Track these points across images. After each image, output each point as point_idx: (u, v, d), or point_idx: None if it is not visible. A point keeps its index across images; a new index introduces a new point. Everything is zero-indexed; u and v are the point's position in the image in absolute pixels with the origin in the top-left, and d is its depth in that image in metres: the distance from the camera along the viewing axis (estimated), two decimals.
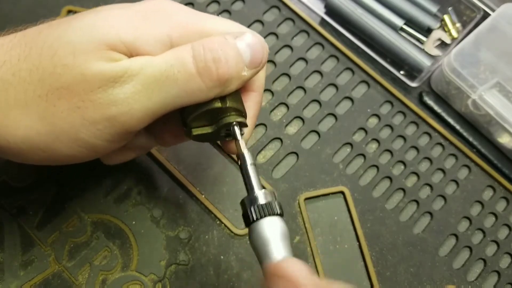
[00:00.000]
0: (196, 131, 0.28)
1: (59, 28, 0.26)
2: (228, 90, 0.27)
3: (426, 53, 0.47)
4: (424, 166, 0.44)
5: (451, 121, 0.46)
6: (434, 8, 0.48)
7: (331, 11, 0.48)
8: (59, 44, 0.25)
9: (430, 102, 0.46)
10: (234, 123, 0.28)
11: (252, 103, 0.30)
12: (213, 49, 0.26)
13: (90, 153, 0.27)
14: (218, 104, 0.27)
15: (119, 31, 0.25)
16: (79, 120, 0.25)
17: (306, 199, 0.40)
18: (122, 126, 0.25)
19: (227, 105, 0.27)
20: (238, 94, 0.28)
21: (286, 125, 0.43)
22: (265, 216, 0.26)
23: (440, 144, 0.45)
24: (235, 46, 0.26)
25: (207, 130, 0.28)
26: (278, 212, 0.27)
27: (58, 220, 0.36)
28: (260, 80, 0.31)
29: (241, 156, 0.28)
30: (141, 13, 0.27)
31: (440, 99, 0.47)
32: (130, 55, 0.25)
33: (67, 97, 0.24)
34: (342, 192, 0.41)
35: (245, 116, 0.29)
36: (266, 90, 0.43)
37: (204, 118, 0.27)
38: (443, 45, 0.48)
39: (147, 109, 0.25)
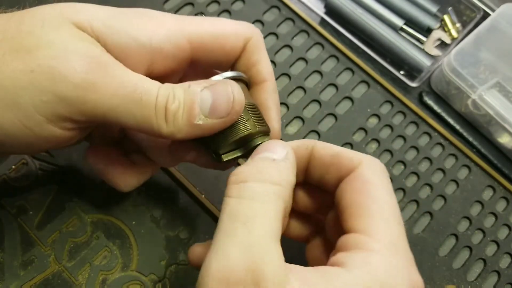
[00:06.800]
0: (226, 157, 0.28)
1: (33, 8, 0.26)
2: (181, 133, 0.26)
3: (426, 53, 0.47)
4: (424, 166, 0.44)
5: (451, 121, 0.46)
6: (434, 8, 0.48)
7: (331, 11, 0.48)
8: (27, 15, 0.25)
9: (430, 102, 0.46)
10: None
11: (268, 94, 0.30)
12: (172, 90, 0.25)
13: (26, 133, 0.24)
14: (245, 132, 0.27)
15: (91, 17, 0.25)
16: (27, 84, 0.23)
17: None
18: (68, 104, 0.24)
19: (255, 130, 0.28)
20: (258, 113, 0.29)
21: (286, 125, 0.43)
22: None
23: (440, 144, 0.45)
24: (192, 93, 0.26)
25: (236, 154, 0.28)
26: None
27: (58, 220, 0.36)
28: (266, 67, 0.30)
29: None
30: (125, 12, 0.27)
31: (440, 99, 0.47)
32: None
33: (24, 60, 0.24)
34: None
35: (269, 132, 0.29)
36: None
37: (232, 145, 0.28)
38: (443, 45, 0.48)
39: (101, 98, 0.24)
